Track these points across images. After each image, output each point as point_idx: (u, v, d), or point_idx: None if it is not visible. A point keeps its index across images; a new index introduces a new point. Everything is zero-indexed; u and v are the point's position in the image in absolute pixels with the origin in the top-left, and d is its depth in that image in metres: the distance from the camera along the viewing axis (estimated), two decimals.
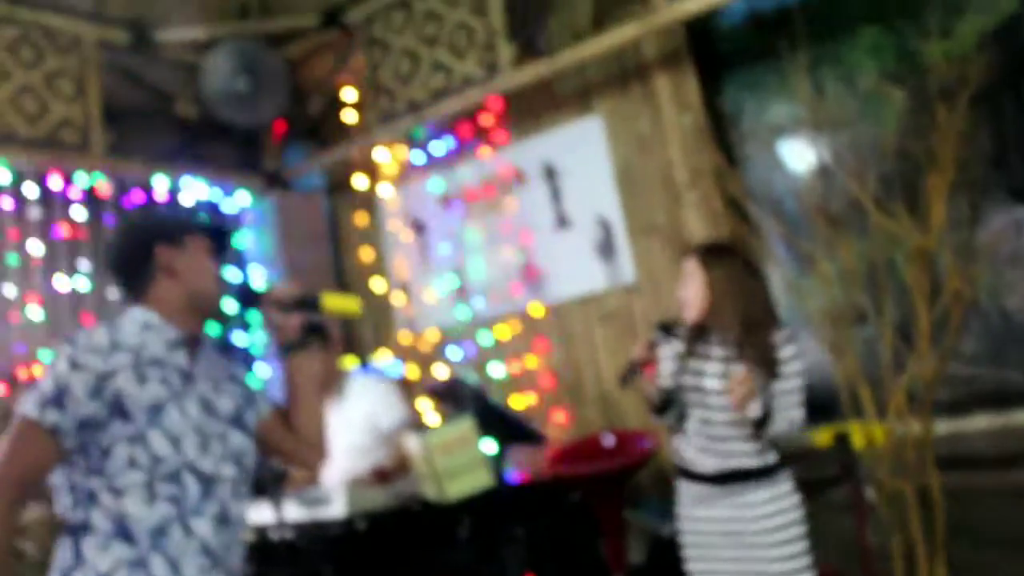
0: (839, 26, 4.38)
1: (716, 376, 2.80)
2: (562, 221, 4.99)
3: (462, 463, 3.33)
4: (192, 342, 2.05)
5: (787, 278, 4.33)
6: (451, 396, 3.69)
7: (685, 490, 2.91)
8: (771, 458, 2.81)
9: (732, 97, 4.68)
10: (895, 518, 3.66)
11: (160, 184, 5.03)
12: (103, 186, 4.80)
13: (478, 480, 3.34)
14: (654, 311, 4.60)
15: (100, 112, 4.79)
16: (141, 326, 1.98)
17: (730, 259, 2.87)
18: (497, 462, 3.55)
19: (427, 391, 4.32)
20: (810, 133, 4.29)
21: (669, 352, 2.93)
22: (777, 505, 2.77)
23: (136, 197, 4.96)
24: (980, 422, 3.97)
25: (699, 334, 2.89)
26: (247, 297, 2.16)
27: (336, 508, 3.21)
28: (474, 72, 4.87)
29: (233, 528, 1.99)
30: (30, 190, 4.56)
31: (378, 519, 3.27)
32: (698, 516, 2.86)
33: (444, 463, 3.29)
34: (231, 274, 1.82)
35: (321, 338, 2.20)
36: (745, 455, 2.79)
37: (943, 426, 3.80)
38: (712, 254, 2.88)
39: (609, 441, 4.41)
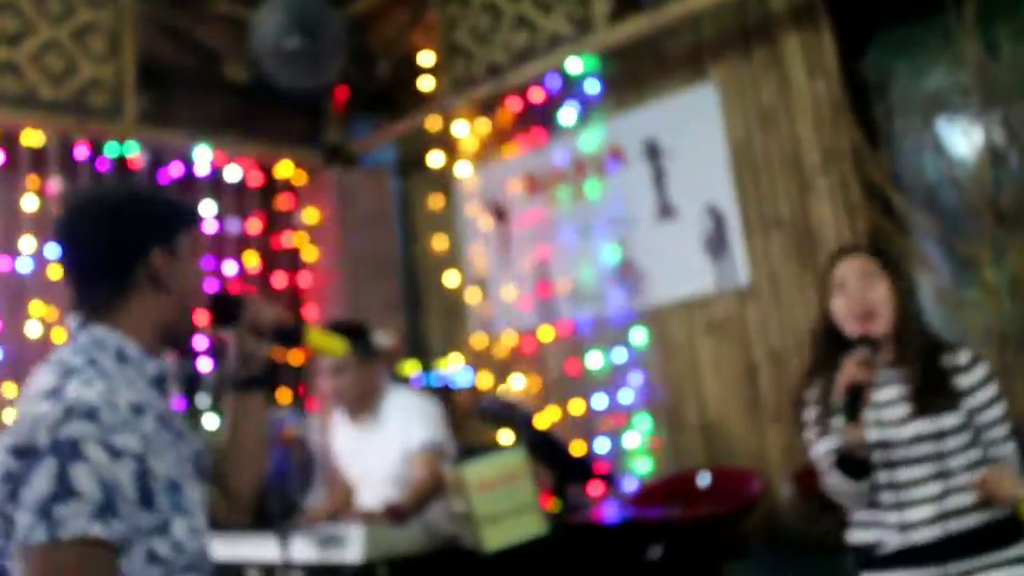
0: None
1: (910, 418, 2.30)
2: (665, 210, 4.67)
3: (507, 506, 3.00)
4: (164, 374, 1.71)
5: (941, 288, 3.97)
6: (504, 421, 3.29)
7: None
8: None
9: (878, 61, 4.29)
10: None
11: (202, 156, 4.87)
12: (136, 157, 4.69)
13: (526, 527, 3.01)
14: (773, 320, 4.24)
15: (135, 73, 4.66)
16: (116, 356, 1.59)
17: (906, 273, 2.52)
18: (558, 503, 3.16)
19: (478, 412, 3.98)
20: (978, 106, 3.93)
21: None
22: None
23: (174, 170, 4.83)
24: None
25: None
26: (225, 312, 1.81)
27: (352, 551, 2.91)
28: (563, 29, 4.59)
29: None
30: (52, 160, 4.45)
31: (404, 567, 2.97)
32: None
33: (484, 505, 2.95)
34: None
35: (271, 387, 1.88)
36: (970, 511, 2.24)
37: None
38: (892, 261, 2.46)
39: (705, 480, 3.99)
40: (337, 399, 3.54)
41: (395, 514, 3.15)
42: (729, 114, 4.47)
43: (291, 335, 1.87)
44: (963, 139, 4.02)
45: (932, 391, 2.28)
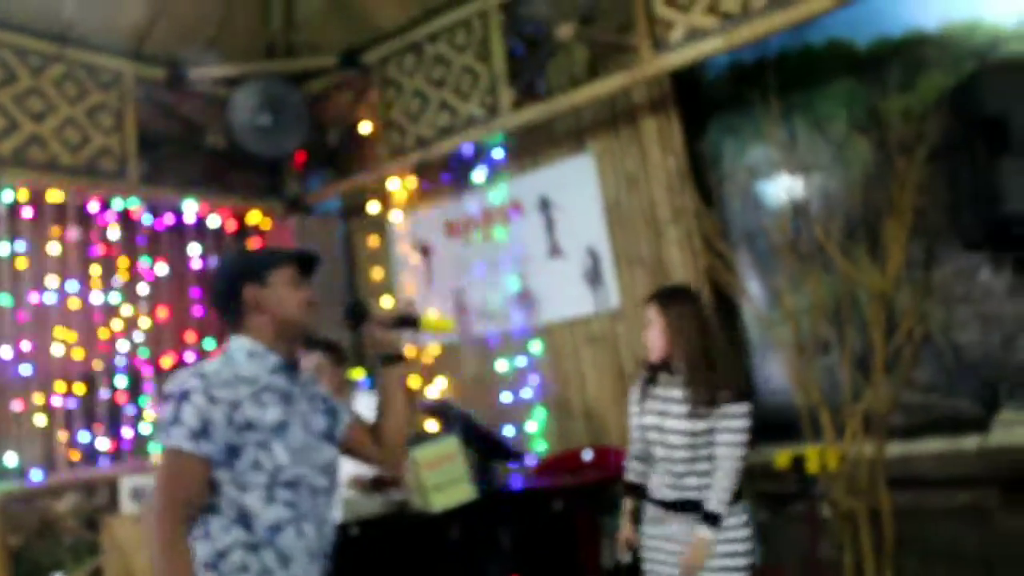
0: (813, 78, 4.37)
1: (679, 416, 2.84)
2: (555, 250, 4.97)
3: (447, 478, 3.40)
4: (291, 365, 2.16)
5: (758, 310, 4.34)
6: (440, 415, 3.74)
7: (648, 510, 3.00)
8: None
9: (713, 141, 4.67)
10: (847, 534, 3.69)
11: (189, 208, 5.07)
12: (138, 209, 4.88)
13: (461, 494, 3.42)
14: (636, 335, 4.57)
15: (136, 142, 4.85)
16: (247, 354, 2.11)
17: (683, 300, 2.93)
18: (482, 476, 3.61)
19: (420, 409, 4.38)
20: (782, 175, 4.29)
21: (634, 397, 3.02)
22: (725, 536, 2.80)
23: (167, 220, 5.03)
24: (930, 446, 3.92)
25: (659, 373, 2.96)
26: (357, 316, 2.27)
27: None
28: (477, 112, 4.87)
29: (329, 531, 2.13)
30: (71, 213, 4.64)
31: (370, 526, 3.32)
32: (654, 534, 2.95)
33: (430, 477, 3.36)
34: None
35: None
36: (699, 488, 2.85)
37: (895, 449, 3.81)
38: (667, 298, 2.94)
39: (588, 456, 4.41)
40: None
41: (380, 484, 3.51)
42: (603, 178, 4.77)
43: (410, 322, 2.28)
44: (773, 199, 4.38)
45: (700, 403, 2.79)
